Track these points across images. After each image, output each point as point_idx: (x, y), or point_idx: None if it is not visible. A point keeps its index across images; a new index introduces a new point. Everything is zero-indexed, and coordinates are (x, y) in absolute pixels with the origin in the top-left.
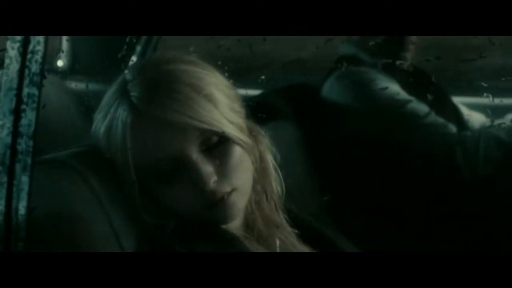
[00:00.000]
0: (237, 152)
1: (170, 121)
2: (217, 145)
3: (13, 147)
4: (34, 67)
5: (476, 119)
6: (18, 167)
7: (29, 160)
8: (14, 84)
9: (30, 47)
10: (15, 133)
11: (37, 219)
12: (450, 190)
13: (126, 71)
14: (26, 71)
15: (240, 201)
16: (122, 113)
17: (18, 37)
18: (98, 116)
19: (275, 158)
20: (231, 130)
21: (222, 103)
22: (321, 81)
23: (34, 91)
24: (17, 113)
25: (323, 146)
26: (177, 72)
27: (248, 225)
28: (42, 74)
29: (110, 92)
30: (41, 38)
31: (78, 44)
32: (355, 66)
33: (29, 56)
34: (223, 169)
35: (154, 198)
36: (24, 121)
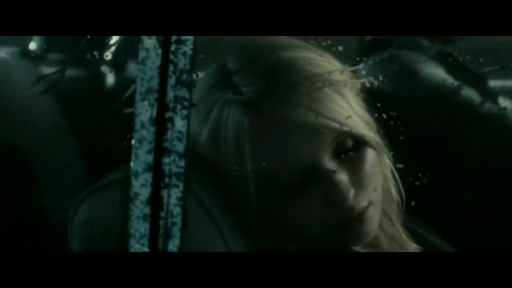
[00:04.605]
0: (372, 157)
1: (299, 122)
2: (352, 150)
3: (157, 168)
4: (182, 62)
5: None
6: (165, 194)
7: (181, 186)
8: (155, 84)
9: (174, 36)
10: (159, 150)
11: None
12: None
13: (224, 60)
14: (171, 67)
15: (376, 217)
16: (233, 113)
17: None
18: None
19: (389, 158)
20: (367, 131)
21: (350, 97)
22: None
23: (184, 93)
24: (160, 123)
25: None
26: (299, 60)
27: (369, 244)
28: (192, 71)
29: (205, 86)
30: None
31: None
32: (395, 49)
33: (173, 47)
34: (359, 180)
35: (274, 217)
36: (171, 134)
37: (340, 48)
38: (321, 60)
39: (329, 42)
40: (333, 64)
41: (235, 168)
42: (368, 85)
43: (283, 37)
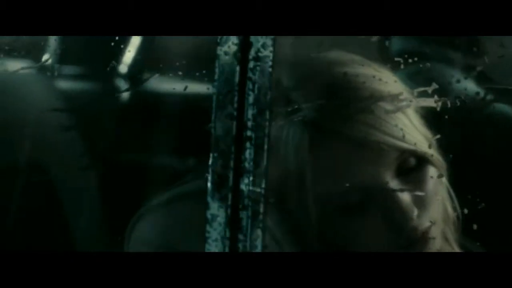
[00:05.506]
0: (434, 175)
1: (362, 140)
2: (415, 169)
3: (236, 190)
4: (261, 80)
5: None
6: (244, 216)
7: (261, 208)
8: (233, 102)
9: (252, 52)
10: (238, 170)
11: None
12: None
13: (277, 77)
14: (249, 85)
15: (438, 237)
16: (292, 130)
17: (233, 38)
18: None
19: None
20: (429, 150)
21: (411, 114)
22: None
23: (263, 111)
24: (239, 143)
25: None
26: (360, 77)
27: None
28: (271, 89)
29: None
30: (268, 40)
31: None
32: (422, 61)
33: (251, 64)
34: (422, 199)
35: (334, 236)
36: (250, 154)
37: (428, 64)
38: (380, 77)
39: (416, 59)
40: (392, 80)
41: (295, 186)
42: (437, 108)
43: (338, 52)
